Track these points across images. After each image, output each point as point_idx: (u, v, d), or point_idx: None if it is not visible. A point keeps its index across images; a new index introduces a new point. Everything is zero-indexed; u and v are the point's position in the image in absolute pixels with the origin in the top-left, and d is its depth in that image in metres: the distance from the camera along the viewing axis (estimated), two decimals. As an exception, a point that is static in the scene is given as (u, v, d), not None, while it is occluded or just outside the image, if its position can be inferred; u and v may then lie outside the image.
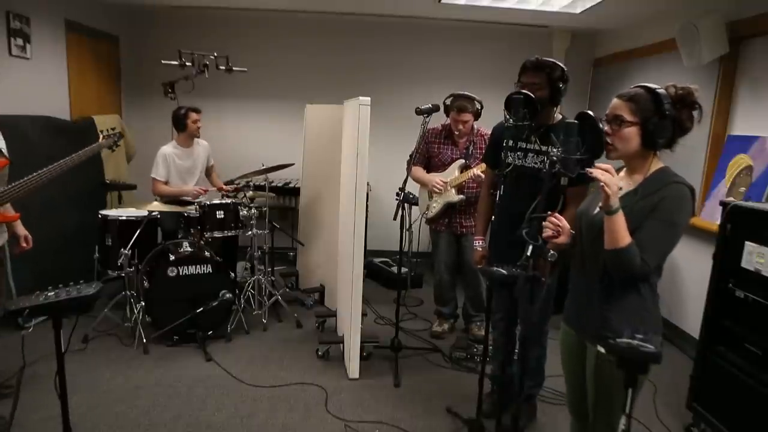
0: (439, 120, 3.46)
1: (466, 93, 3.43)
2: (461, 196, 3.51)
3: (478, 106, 3.44)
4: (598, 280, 1.69)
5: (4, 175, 2.41)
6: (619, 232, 1.54)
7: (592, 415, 1.78)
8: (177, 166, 3.98)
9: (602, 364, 1.66)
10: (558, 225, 1.74)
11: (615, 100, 1.66)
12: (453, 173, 3.53)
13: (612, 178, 1.52)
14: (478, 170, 3.31)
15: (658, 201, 1.57)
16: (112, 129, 3.11)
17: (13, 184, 2.34)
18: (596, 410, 1.75)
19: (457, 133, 3.47)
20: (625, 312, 1.64)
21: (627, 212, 1.57)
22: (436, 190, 3.49)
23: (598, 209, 1.69)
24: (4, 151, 2.47)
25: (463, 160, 3.52)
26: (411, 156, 3.57)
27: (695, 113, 1.62)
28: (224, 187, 4.24)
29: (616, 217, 1.54)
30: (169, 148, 3.96)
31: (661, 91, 1.59)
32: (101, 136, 3.06)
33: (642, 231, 1.57)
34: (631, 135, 1.62)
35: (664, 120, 1.58)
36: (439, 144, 3.59)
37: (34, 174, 2.37)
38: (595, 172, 1.53)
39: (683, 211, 1.58)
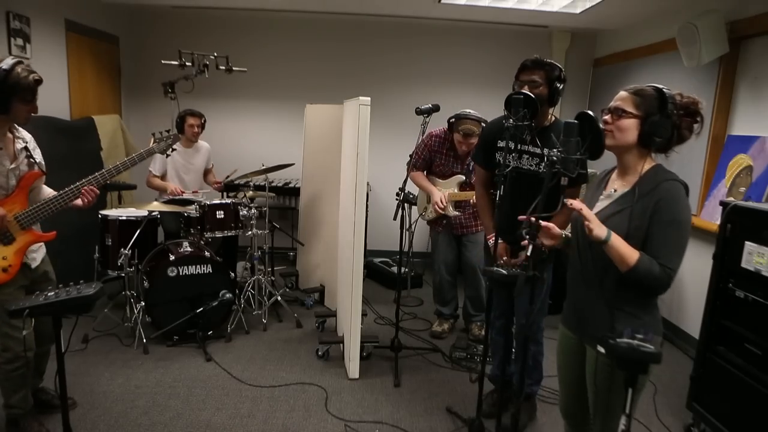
0: (438, 120, 3.45)
1: (471, 114, 3.34)
2: (457, 213, 3.53)
3: (483, 125, 3.39)
4: (597, 283, 1.70)
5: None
6: (625, 253, 1.55)
7: (593, 417, 1.78)
8: (174, 161, 4.04)
9: (602, 366, 1.66)
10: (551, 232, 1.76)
11: (621, 92, 1.67)
12: (452, 186, 3.54)
13: (591, 212, 1.55)
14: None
15: (654, 204, 1.57)
16: (167, 131, 2.73)
17: (41, 202, 2.25)
18: (596, 412, 1.75)
19: (462, 149, 3.45)
20: (624, 314, 1.65)
21: (628, 213, 1.58)
22: (439, 210, 3.48)
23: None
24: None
25: (463, 177, 3.53)
26: (411, 157, 3.56)
27: (696, 125, 1.64)
28: (218, 181, 4.33)
29: (613, 241, 1.54)
30: None
31: (668, 92, 1.60)
32: (152, 140, 2.68)
33: (651, 240, 1.57)
34: (630, 127, 1.63)
35: (664, 119, 1.58)
36: (442, 154, 3.56)
37: (61, 193, 2.28)
38: (575, 203, 1.55)
39: (682, 206, 1.58)
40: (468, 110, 3.38)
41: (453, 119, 3.40)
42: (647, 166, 1.66)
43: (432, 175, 3.65)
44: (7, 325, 2.21)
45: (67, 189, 2.30)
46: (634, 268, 1.54)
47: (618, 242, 1.55)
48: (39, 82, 2.12)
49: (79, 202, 2.32)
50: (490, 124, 2.63)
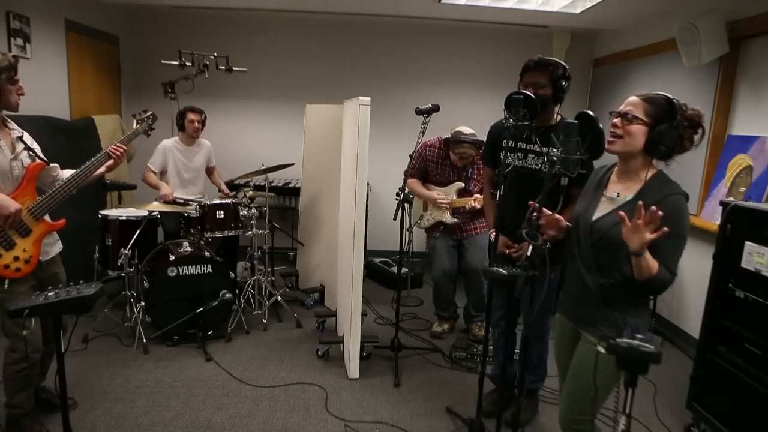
0: (438, 119, 3.45)
1: (468, 138, 3.33)
2: (455, 219, 3.51)
3: (479, 145, 3.35)
4: (596, 281, 1.73)
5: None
6: (651, 264, 1.59)
7: (566, 399, 1.85)
8: (175, 159, 4.01)
9: (586, 354, 1.73)
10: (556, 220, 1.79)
11: (632, 97, 1.70)
12: (451, 194, 3.53)
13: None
14: (476, 204, 3.29)
15: (663, 217, 1.59)
16: (144, 111, 2.81)
17: (48, 193, 2.31)
18: (569, 392, 1.84)
19: (458, 165, 3.46)
20: (615, 301, 1.71)
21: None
22: (444, 206, 3.47)
23: (597, 216, 1.74)
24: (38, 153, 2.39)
25: (462, 184, 3.52)
26: (411, 157, 3.55)
27: (696, 137, 1.67)
28: (225, 189, 4.26)
29: (645, 254, 1.57)
30: (170, 142, 4.02)
31: (678, 102, 1.64)
32: (135, 122, 2.77)
33: (659, 250, 1.61)
34: (639, 133, 1.65)
35: (672, 129, 1.61)
36: (438, 164, 3.55)
37: (64, 182, 2.34)
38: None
39: (686, 219, 1.65)
40: (464, 129, 3.38)
41: (450, 135, 3.40)
42: (650, 172, 1.69)
43: (429, 184, 3.64)
44: (18, 326, 2.22)
45: (66, 181, 2.36)
46: (656, 277, 1.59)
47: (648, 255, 1.58)
48: (17, 58, 2.22)
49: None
50: (497, 123, 2.62)
